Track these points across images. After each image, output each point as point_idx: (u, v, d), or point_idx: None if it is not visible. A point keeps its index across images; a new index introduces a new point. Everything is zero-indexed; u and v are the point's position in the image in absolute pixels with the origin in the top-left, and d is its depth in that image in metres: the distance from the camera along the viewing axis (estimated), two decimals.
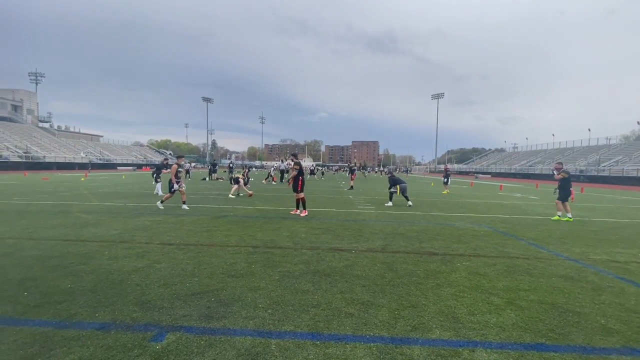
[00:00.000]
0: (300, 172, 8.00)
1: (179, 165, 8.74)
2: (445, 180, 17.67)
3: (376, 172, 59.63)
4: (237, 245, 5.03)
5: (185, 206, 8.91)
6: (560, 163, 8.43)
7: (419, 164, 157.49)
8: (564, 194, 8.22)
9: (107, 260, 4.25)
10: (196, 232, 5.90)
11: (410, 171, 72.00)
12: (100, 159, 55.08)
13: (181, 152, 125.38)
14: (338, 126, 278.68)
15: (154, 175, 13.23)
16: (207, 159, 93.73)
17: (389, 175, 11.59)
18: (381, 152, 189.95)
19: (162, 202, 8.90)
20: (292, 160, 8.23)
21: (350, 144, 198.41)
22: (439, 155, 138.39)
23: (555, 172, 8.35)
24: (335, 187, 18.91)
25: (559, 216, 8.19)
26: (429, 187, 23.63)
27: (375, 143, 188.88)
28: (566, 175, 8.31)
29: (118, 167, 52.50)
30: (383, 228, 6.75)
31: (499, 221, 8.11)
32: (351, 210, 9.49)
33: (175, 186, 8.56)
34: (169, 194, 8.77)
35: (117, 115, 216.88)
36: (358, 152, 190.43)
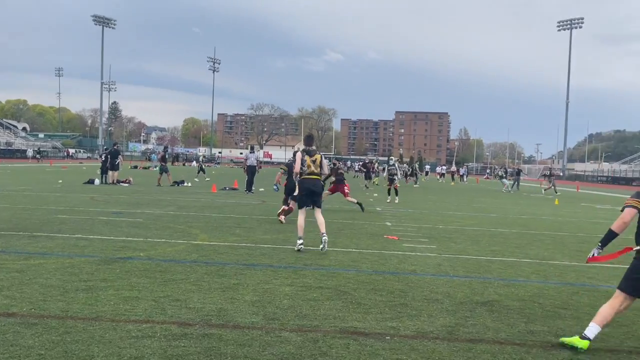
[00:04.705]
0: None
1: None
2: None
3: (441, 174, 59.92)
4: (147, 321, 4.99)
5: None
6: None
7: (530, 160, 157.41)
8: None
9: None
10: (64, 291, 5.87)
11: (511, 174, 72.24)
12: None
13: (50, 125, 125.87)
14: (365, 81, 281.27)
15: None
16: (100, 141, 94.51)
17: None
18: (454, 135, 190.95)
19: None
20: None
21: (391, 117, 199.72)
22: (571, 145, 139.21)
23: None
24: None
25: None
26: (549, 207, 23.72)
27: (443, 117, 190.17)
28: None
29: None
30: (451, 290, 6.75)
31: None
32: (388, 250, 9.52)
33: None
34: None
35: None
36: (407, 135, 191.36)
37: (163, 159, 26.92)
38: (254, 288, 6.37)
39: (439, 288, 6.80)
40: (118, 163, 26.23)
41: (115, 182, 25.39)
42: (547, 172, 38.35)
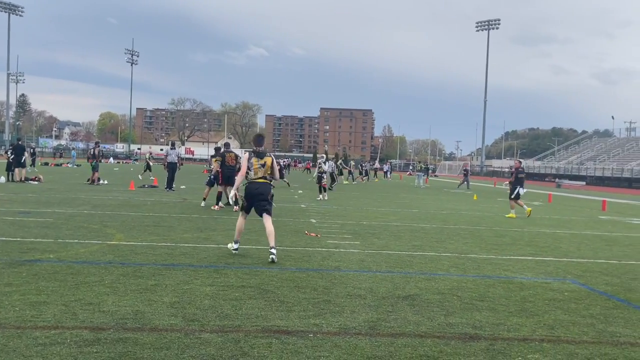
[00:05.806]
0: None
1: None
2: (516, 190, 17.99)
3: (363, 172, 60.98)
4: (56, 327, 4.78)
5: None
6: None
7: (451, 157, 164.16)
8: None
9: None
10: None
11: (432, 171, 74.74)
12: None
13: None
14: (290, 77, 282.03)
15: None
16: (6, 136, 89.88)
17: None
18: (378, 132, 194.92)
19: None
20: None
21: (316, 114, 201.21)
22: (489, 142, 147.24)
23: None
24: (287, 200, 18.91)
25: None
26: (468, 202, 24.70)
27: (368, 114, 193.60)
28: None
29: None
30: (374, 285, 6.87)
31: (598, 272, 8.60)
32: (312, 247, 9.57)
33: None
34: None
35: None
36: (332, 131, 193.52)
37: (94, 156, 25.62)
38: (173, 289, 6.21)
39: (362, 284, 6.90)
40: (24, 160, 24.91)
41: (22, 180, 24.03)
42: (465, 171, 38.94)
